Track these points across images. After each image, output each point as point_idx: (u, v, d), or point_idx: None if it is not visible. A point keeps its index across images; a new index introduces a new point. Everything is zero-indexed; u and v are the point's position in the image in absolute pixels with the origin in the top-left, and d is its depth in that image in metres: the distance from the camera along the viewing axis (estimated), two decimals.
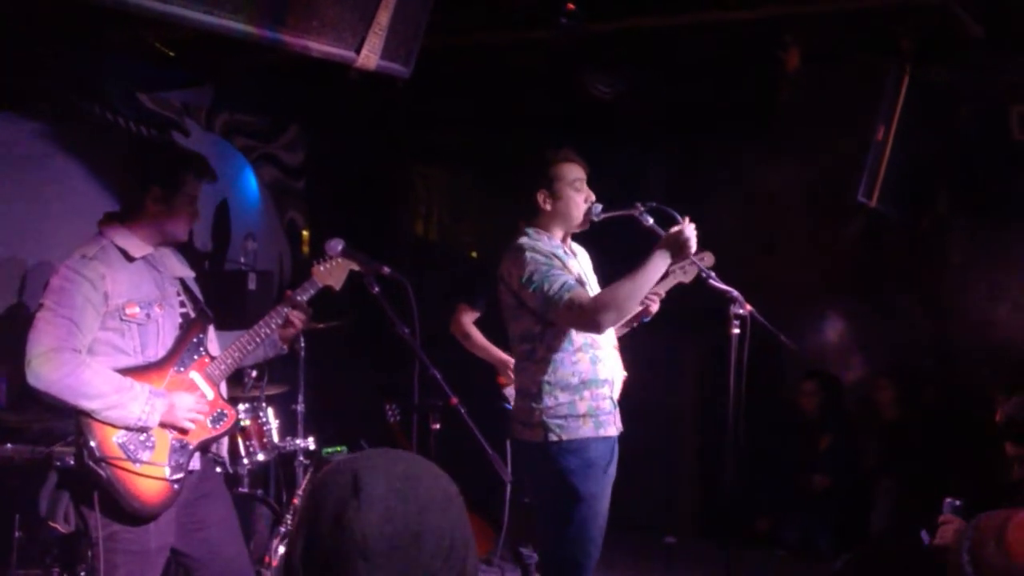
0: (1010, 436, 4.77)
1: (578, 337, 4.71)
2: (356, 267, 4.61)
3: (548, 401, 4.67)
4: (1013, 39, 6.75)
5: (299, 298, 4.59)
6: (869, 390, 8.44)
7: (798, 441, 8.47)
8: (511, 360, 6.42)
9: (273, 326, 4.53)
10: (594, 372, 4.73)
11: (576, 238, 5.02)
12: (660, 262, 4.55)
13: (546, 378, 4.69)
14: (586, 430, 4.68)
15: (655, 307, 5.16)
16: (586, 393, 4.70)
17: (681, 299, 5.26)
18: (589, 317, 4.50)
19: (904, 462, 7.89)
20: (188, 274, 4.58)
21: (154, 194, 4.29)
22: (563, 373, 4.69)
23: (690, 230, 4.55)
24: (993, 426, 5.57)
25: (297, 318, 4.61)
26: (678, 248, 4.55)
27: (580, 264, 4.93)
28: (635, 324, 5.29)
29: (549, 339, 4.70)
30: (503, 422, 6.24)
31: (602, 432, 4.73)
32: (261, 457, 6.39)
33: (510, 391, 6.60)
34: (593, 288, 4.85)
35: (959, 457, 7.31)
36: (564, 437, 4.64)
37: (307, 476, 6.60)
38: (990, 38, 6.51)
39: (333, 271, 4.63)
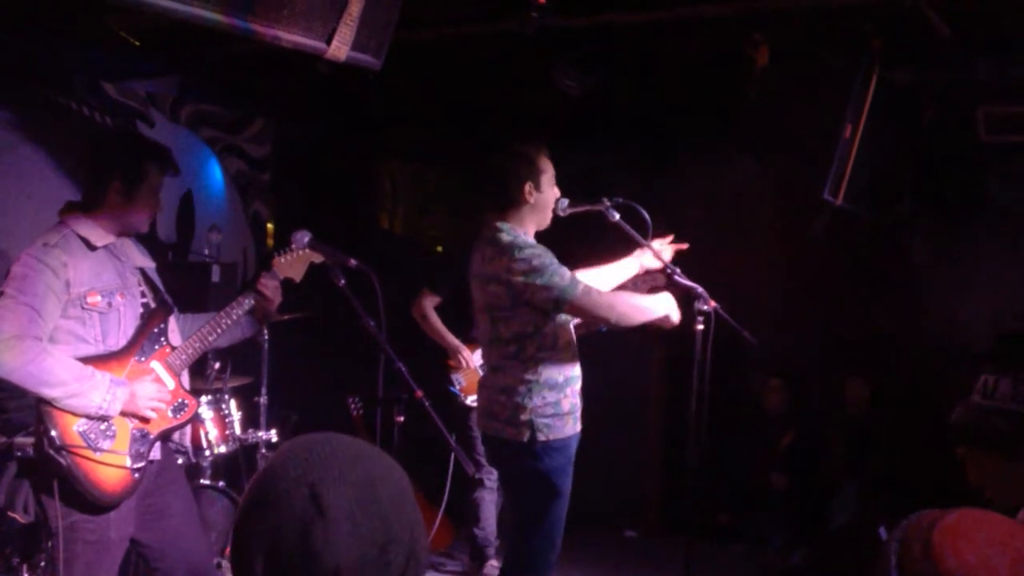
0: (958, 440, 4.83)
1: (563, 336, 4.72)
2: (318, 259, 4.59)
3: (536, 400, 4.69)
4: (981, 40, 6.78)
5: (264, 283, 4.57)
6: (839, 387, 8.46)
7: (760, 438, 8.48)
8: (463, 346, 6.56)
9: (235, 316, 4.50)
10: (574, 369, 4.76)
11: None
12: (663, 306, 4.71)
13: (535, 377, 4.71)
14: (568, 428, 4.70)
15: None
16: (568, 390, 4.72)
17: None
18: (606, 307, 4.57)
19: (868, 460, 7.92)
20: (149, 264, 4.56)
21: (116, 186, 4.28)
22: (551, 372, 4.72)
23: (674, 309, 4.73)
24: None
25: (274, 290, 4.56)
26: (668, 310, 4.71)
27: None
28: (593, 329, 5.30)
29: (540, 338, 4.72)
30: (452, 407, 6.31)
31: (577, 428, 4.76)
32: (223, 449, 6.37)
33: (458, 376, 6.73)
34: None
35: (921, 456, 7.34)
36: (551, 436, 4.66)
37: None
38: (958, 38, 6.53)
39: (294, 263, 4.61)
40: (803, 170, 7.09)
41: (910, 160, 7.55)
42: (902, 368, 8.26)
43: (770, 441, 8.42)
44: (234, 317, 4.50)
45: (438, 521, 7.18)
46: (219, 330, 4.48)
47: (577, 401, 4.78)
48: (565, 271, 4.61)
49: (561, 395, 4.71)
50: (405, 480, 1.83)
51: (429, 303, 6.94)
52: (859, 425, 8.19)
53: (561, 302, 4.56)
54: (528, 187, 4.80)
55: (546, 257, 4.64)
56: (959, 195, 7.84)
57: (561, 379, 4.72)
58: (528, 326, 4.70)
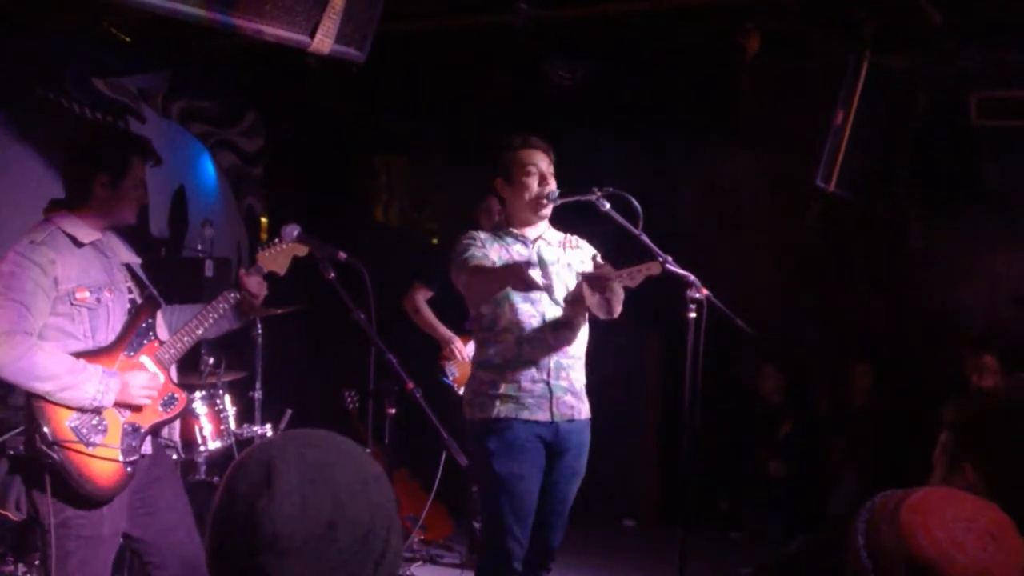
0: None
1: (502, 319, 4.75)
2: (302, 252, 4.59)
3: (474, 380, 4.85)
4: (972, 26, 6.77)
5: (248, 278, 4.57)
6: (836, 375, 8.46)
7: (759, 426, 8.48)
8: (455, 338, 6.63)
9: (220, 310, 4.50)
10: (518, 353, 4.76)
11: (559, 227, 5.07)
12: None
13: (477, 358, 4.89)
14: (504, 410, 4.71)
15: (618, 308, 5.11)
16: (508, 374, 4.73)
17: (643, 285, 5.26)
18: (463, 284, 4.76)
19: (868, 447, 7.92)
20: (135, 260, 4.56)
21: (102, 179, 4.27)
22: (488, 353, 4.82)
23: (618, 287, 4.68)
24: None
25: (251, 295, 4.56)
26: (579, 304, 4.71)
27: (545, 253, 4.92)
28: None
29: (479, 319, 4.87)
30: (446, 397, 6.35)
31: (526, 415, 4.73)
32: (218, 444, 6.36)
33: (451, 367, 6.79)
34: (558, 276, 4.89)
35: (919, 442, 7.34)
36: (479, 416, 4.75)
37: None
38: (949, 25, 6.53)
39: (277, 256, 4.60)
40: (796, 157, 7.10)
41: (903, 146, 7.56)
42: (898, 354, 8.25)
43: (769, 429, 8.41)
44: (220, 311, 4.50)
45: (425, 511, 7.15)
46: (206, 324, 4.49)
47: (529, 386, 4.77)
48: (471, 254, 4.75)
49: (497, 376, 4.75)
50: (373, 471, 1.83)
51: (421, 296, 7.01)
52: (859, 412, 8.19)
53: (456, 281, 4.80)
54: (499, 182, 4.92)
55: (469, 240, 4.84)
56: (952, 180, 7.83)
57: (499, 361, 4.77)
58: (472, 308, 4.91)
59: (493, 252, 4.83)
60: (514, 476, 4.72)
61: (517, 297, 4.77)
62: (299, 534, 1.69)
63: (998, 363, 6.48)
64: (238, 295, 4.53)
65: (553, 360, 4.84)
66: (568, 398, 4.85)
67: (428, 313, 7.00)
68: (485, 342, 4.84)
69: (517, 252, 4.86)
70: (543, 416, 4.77)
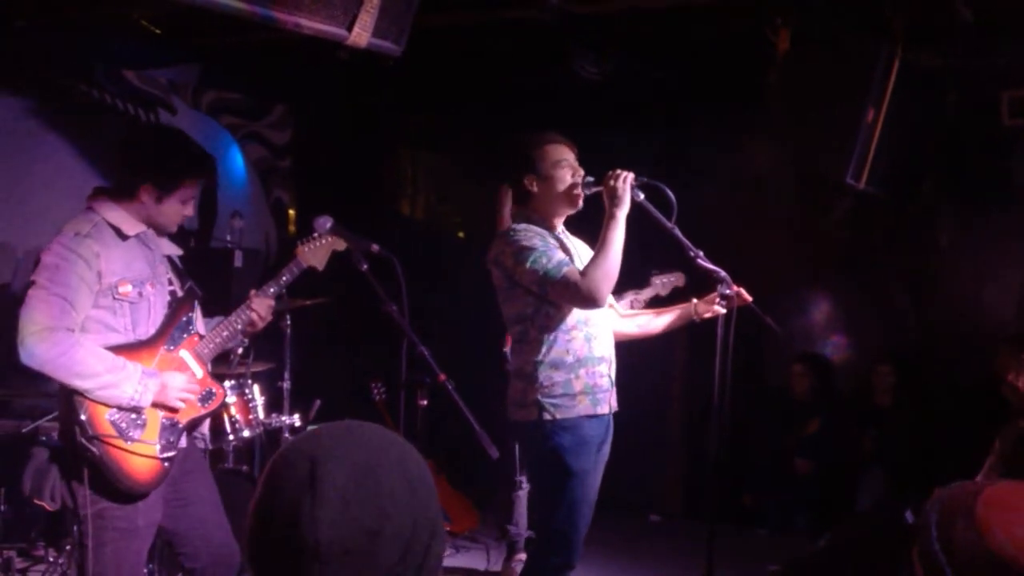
0: None
1: (571, 316, 4.71)
2: (341, 247, 4.59)
3: (543, 380, 4.67)
4: (1003, 24, 6.75)
5: (281, 280, 4.57)
6: (864, 373, 8.43)
7: (787, 423, 8.46)
8: None
9: (244, 317, 4.51)
10: (589, 350, 4.74)
11: (573, 230, 5.04)
12: (615, 220, 4.58)
13: (540, 358, 4.69)
14: (580, 408, 4.69)
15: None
16: (581, 371, 4.70)
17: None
18: (585, 293, 4.51)
19: (895, 445, 7.90)
20: (175, 252, 4.55)
21: (147, 188, 4.25)
22: (557, 352, 4.69)
23: (620, 179, 4.59)
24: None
25: (258, 316, 4.56)
26: (616, 199, 4.58)
27: (577, 251, 4.92)
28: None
29: (542, 319, 4.70)
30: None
31: (598, 410, 4.74)
32: (247, 433, 6.39)
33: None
34: (581, 263, 4.86)
35: (947, 440, 7.33)
36: (558, 416, 4.66)
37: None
38: (980, 22, 6.51)
39: (317, 251, 4.59)
40: (825, 154, 7.08)
41: (933, 144, 7.53)
42: (926, 352, 8.24)
43: (796, 426, 8.40)
44: (244, 318, 4.49)
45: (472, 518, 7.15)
46: (237, 326, 4.49)
47: (599, 382, 4.75)
48: (555, 254, 4.61)
49: (571, 375, 4.68)
50: (419, 471, 1.79)
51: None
52: (886, 412, 8.17)
53: (544, 284, 4.58)
54: (529, 179, 4.81)
55: (536, 239, 4.66)
56: (982, 179, 7.81)
57: (571, 359, 4.69)
58: (527, 307, 4.71)
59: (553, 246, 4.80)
60: (587, 473, 4.71)
61: None
62: (340, 543, 1.65)
63: None
64: (248, 316, 4.53)
65: (611, 352, 4.88)
66: (614, 389, 4.89)
67: None
68: (555, 341, 4.70)
69: (554, 244, 4.85)
70: (604, 409, 4.79)
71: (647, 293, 5.87)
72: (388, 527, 1.68)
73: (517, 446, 6.48)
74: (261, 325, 4.59)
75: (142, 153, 4.38)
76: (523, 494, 7.01)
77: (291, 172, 9.48)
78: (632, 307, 5.48)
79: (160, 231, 4.42)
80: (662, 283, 5.74)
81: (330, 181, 9.32)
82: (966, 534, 1.92)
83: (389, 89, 8.88)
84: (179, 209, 4.36)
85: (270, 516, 1.71)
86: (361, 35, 4.51)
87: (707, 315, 4.95)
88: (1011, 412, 6.23)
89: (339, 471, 1.69)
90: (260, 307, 4.53)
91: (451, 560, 7.24)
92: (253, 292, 4.57)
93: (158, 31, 7.45)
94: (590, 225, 4.80)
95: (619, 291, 5.44)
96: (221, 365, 6.37)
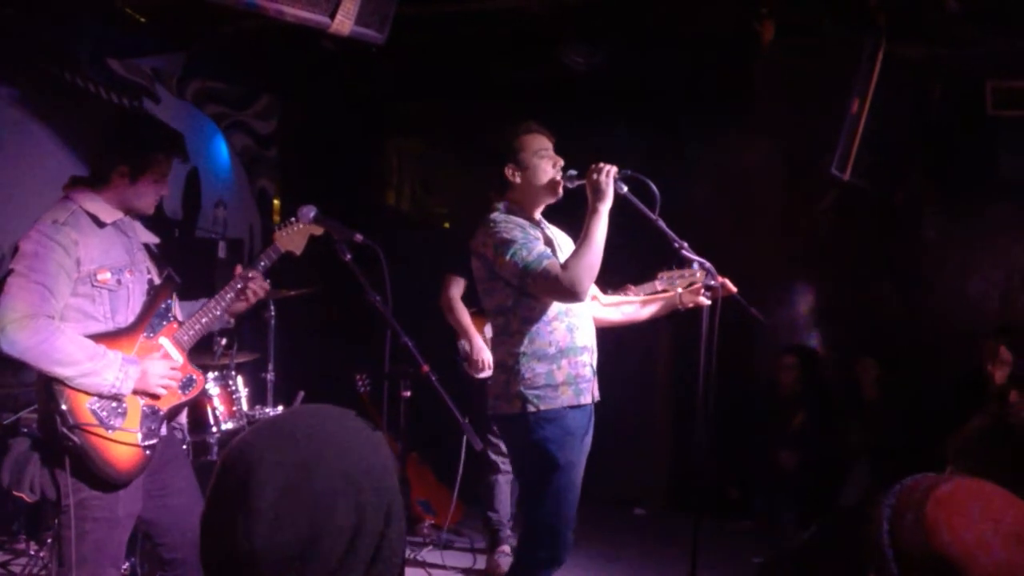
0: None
1: (552, 307, 4.70)
2: (318, 231, 4.59)
3: (525, 372, 4.66)
4: (988, 14, 6.75)
5: (260, 265, 4.56)
6: (849, 366, 8.43)
7: (773, 415, 8.46)
8: (484, 348, 6.53)
9: (228, 299, 4.50)
10: (571, 340, 4.73)
11: (552, 220, 5.02)
12: (598, 214, 4.57)
13: (522, 350, 4.68)
14: (564, 399, 4.68)
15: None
16: (564, 362, 4.69)
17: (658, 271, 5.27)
18: (567, 286, 4.50)
19: (881, 439, 7.90)
20: (152, 240, 4.55)
21: (121, 170, 4.25)
22: (539, 343, 4.69)
23: (602, 173, 4.57)
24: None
25: (253, 292, 4.56)
26: (599, 193, 4.57)
27: (558, 243, 4.90)
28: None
29: (523, 311, 4.70)
30: (473, 386, 6.27)
31: (581, 400, 4.73)
32: (230, 425, 6.36)
33: (463, 343, 6.67)
34: (563, 253, 4.84)
35: (932, 434, 7.33)
36: (542, 408, 4.64)
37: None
38: (966, 13, 6.50)
39: (294, 236, 4.59)
40: (811, 146, 7.07)
41: (918, 135, 7.53)
42: (912, 344, 8.24)
43: (783, 419, 8.39)
44: (228, 299, 4.50)
45: (452, 507, 7.14)
46: (218, 309, 4.49)
47: (581, 372, 4.74)
48: (535, 246, 4.60)
49: (554, 366, 4.67)
50: (367, 460, 1.76)
51: (457, 291, 6.77)
52: (871, 404, 8.17)
53: (524, 277, 4.57)
54: (510, 169, 4.80)
55: (517, 231, 4.64)
56: (968, 170, 7.81)
57: (553, 350, 4.68)
58: (508, 299, 4.70)
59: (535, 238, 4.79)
60: (572, 464, 4.70)
61: None
62: (277, 551, 1.65)
63: (1011, 354, 6.47)
64: (243, 284, 4.51)
65: (593, 342, 4.87)
66: (595, 379, 4.87)
67: (464, 316, 6.75)
68: (537, 333, 4.69)
69: (536, 235, 4.83)
70: (587, 399, 4.78)
71: (647, 288, 5.82)
72: (325, 528, 1.67)
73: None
74: (254, 300, 4.59)
75: (110, 136, 4.40)
76: (502, 479, 6.99)
77: (276, 162, 9.46)
78: (627, 294, 5.43)
79: (138, 215, 4.42)
80: (668, 279, 5.68)
81: (315, 171, 9.29)
82: (914, 530, 1.91)
83: (375, 79, 8.85)
84: (154, 189, 4.36)
85: (210, 527, 1.73)
86: (344, 23, 4.49)
87: (691, 305, 4.95)
88: (986, 402, 6.25)
89: (271, 480, 1.68)
90: (255, 284, 4.54)
91: (437, 560, 7.23)
92: (239, 268, 4.57)
93: (143, 19, 7.40)
94: (574, 218, 4.78)
95: (620, 286, 5.43)
96: (205, 356, 6.35)
